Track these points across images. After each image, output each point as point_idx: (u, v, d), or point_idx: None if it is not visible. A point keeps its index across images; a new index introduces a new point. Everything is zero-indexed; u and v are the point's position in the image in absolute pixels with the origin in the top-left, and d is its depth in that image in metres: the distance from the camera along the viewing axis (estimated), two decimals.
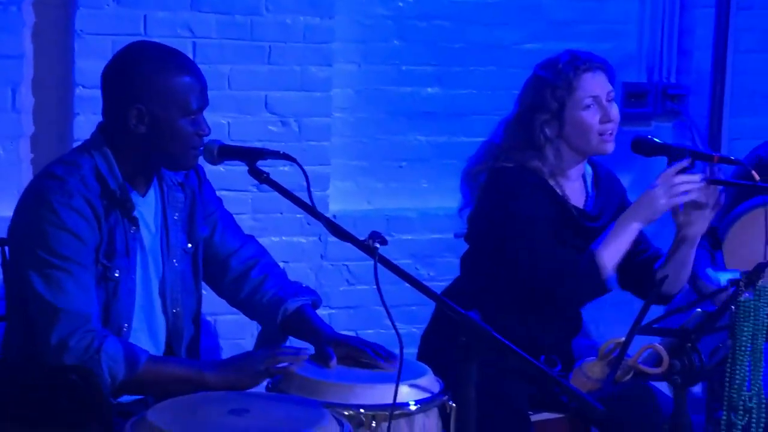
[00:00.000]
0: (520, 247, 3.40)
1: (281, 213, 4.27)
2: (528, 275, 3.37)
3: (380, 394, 2.75)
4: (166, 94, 2.87)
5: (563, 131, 3.44)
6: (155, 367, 2.83)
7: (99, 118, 2.99)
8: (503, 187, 3.45)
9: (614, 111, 3.45)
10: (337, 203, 4.39)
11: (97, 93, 2.98)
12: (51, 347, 2.76)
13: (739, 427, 2.92)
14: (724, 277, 3.93)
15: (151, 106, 2.87)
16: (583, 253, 3.39)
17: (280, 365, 2.84)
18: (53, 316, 2.77)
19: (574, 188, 3.54)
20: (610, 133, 3.44)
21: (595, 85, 3.44)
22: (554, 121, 3.43)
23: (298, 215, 4.25)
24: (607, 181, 3.63)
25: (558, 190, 3.47)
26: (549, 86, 3.43)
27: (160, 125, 2.88)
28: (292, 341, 3.19)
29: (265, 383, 2.92)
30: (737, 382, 2.88)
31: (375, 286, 2.52)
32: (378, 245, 2.58)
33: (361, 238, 2.63)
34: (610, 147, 3.46)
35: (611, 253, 3.35)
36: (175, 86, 2.88)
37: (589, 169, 3.63)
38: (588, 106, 3.42)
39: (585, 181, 3.58)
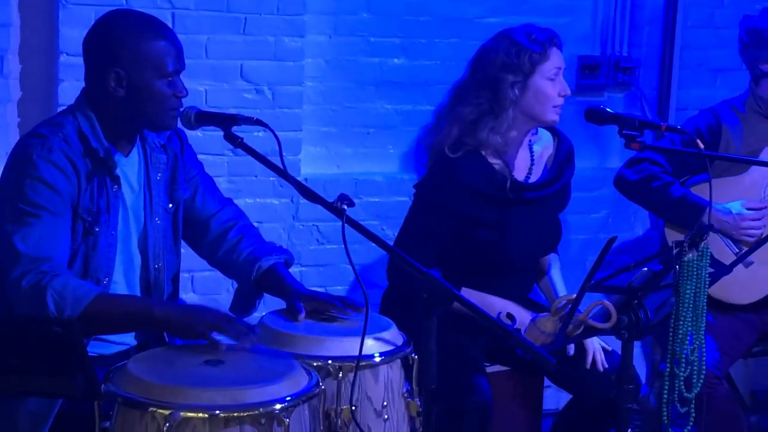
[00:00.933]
0: (405, 228, 3.48)
1: (255, 176, 4.25)
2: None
3: (347, 346, 2.75)
4: (142, 57, 2.85)
5: (523, 97, 3.43)
6: (104, 302, 2.73)
7: (83, 84, 2.97)
8: (436, 175, 3.46)
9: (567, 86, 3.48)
10: (308, 167, 4.37)
11: (81, 60, 2.95)
12: (7, 286, 2.74)
13: (681, 378, 2.95)
14: None
15: (129, 70, 2.85)
16: (522, 222, 3.46)
17: (218, 337, 2.71)
18: (15, 258, 2.73)
19: (520, 158, 3.54)
20: (560, 106, 3.46)
21: (559, 59, 3.46)
22: (520, 84, 3.42)
23: (271, 178, 4.24)
24: (566, 156, 3.62)
25: (498, 166, 3.46)
26: (526, 50, 3.41)
27: (137, 87, 2.86)
28: (267, 297, 3.19)
29: None
30: (680, 336, 2.90)
31: (343, 246, 2.52)
32: (346, 207, 2.59)
33: (331, 201, 2.63)
34: (557, 119, 3.49)
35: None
36: (150, 49, 2.86)
37: (549, 139, 3.62)
38: (552, 79, 3.43)
39: (532, 151, 3.58)
